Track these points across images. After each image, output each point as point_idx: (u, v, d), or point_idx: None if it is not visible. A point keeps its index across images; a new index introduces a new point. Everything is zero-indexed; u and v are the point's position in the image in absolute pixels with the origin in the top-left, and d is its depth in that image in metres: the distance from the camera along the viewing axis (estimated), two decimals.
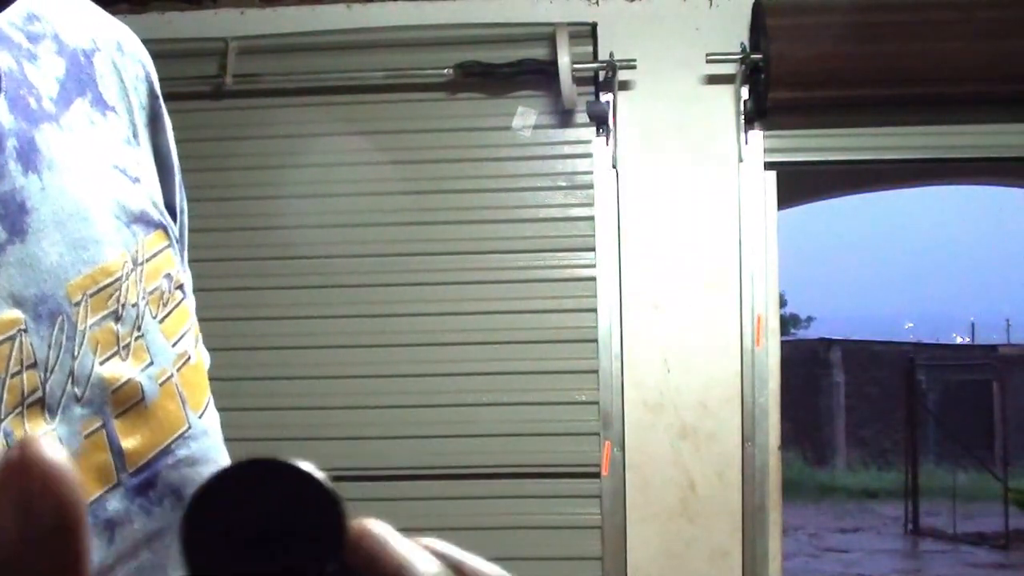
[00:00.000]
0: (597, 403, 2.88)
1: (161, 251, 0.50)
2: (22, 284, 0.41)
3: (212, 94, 2.95)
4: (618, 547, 2.87)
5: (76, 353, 0.42)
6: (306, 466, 0.25)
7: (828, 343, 15.95)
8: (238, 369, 2.82)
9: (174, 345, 0.49)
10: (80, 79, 0.49)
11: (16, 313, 0.40)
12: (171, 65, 2.88)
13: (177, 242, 0.53)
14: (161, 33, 2.95)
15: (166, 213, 0.52)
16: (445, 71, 2.91)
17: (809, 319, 34.19)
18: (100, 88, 0.50)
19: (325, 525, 0.24)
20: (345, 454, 2.85)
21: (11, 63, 0.45)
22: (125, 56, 0.53)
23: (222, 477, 0.25)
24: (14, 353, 0.40)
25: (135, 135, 0.52)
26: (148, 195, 0.51)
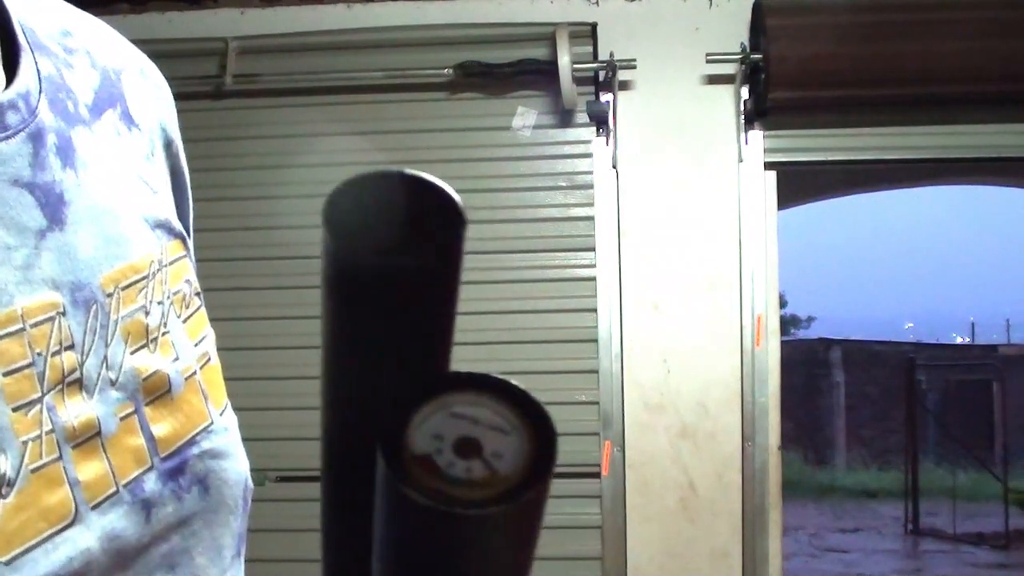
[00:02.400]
0: (597, 403, 2.88)
1: (181, 258, 0.52)
2: (60, 271, 0.42)
3: (212, 94, 2.95)
4: (618, 547, 2.87)
5: (109, 341, 0.44)
6: (437, 181, 0.28)
7: (828, 343, 15.97)
8: (238, 369, 2.81)
9: (196, 345, 0.51)
10: (111, 93, 0.51)
11: (56, 296, 0.42)
12: (171, 65, 2.87)
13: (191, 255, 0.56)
14: (161, 33, 2.95)
15: (182, 226, 0.54)
16: (445, 71, 2.91)
17: (809, 319, 34.21)
18: (128, 104, 0.52)
19: (447, 231, 0.28)
20: None
21: (51, 69, 0.47)
22: (147, 80, 0.56)
23: (372, 175, 0.29)
24: (54, 333, 0.41)
25: (153, 154, 0.54)
26: (167, 207, 0.53)
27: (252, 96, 2.97)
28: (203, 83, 2.93)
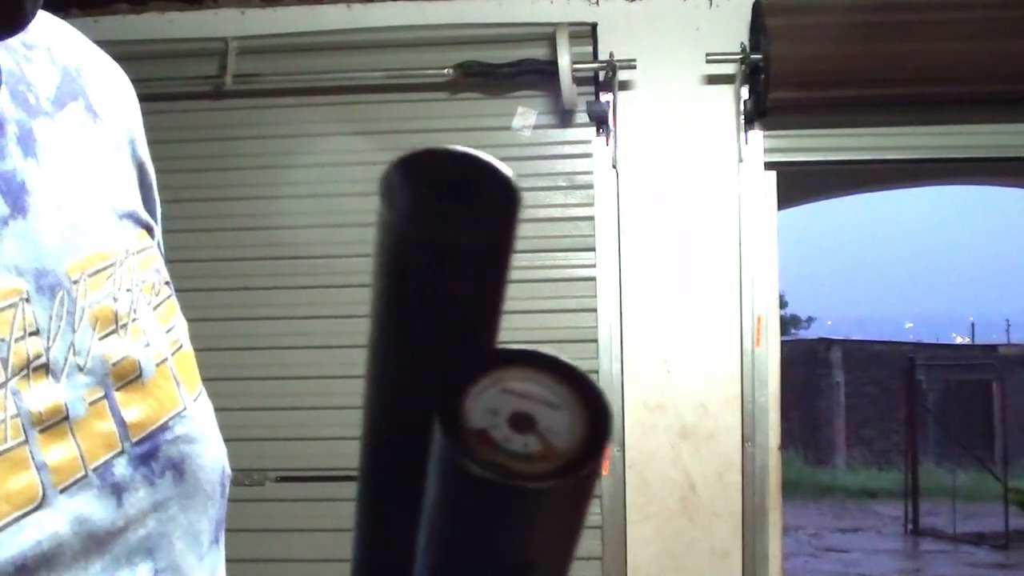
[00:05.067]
0: None
1: (148, 248, 0.52)
2: (24, 257, 0.42)
3: (212, 94, 2.94)
4: (618, 547, 2.87)
5: (76, 327, 0.44)
6: (492, 160, 0.29)
7: (828, 343, 15.97)
8: (237, 369, 2.82)
9: (167, 333, 0.51)
10: (72, 88, 0.51)
11: (19, 282, 0.41)
12: (171, 65, 2.88)
13: (159, 247, 0.55)
14: (161, 33, 2.95)
15: (150, 218, 0.54)
16: (445, 71, 2.91)
17: (809, 319, 34.25)
18: (90, 99, 0.52)
19: (501, 209, 0.29)
20: (346, 454, 2.85)
21: (11, 64, 0.47)
22: (109, 78, 0.55)
23: (425, 151, 0.29)
24: (17, 319, 0.41)
25: (118, 148, 0.54)
26: (132, 199, 0.53)
27: (252, 96, 2.97)
28: (203, 83, 2.92)
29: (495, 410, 0.29)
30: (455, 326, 0.30)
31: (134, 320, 0.48)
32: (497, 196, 0.29)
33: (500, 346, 0.31)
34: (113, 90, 0.55)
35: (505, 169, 0.29)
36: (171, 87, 2.86)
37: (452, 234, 0.28)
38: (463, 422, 0.28)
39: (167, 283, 0.53)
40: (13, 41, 0.48)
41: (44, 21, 0.52)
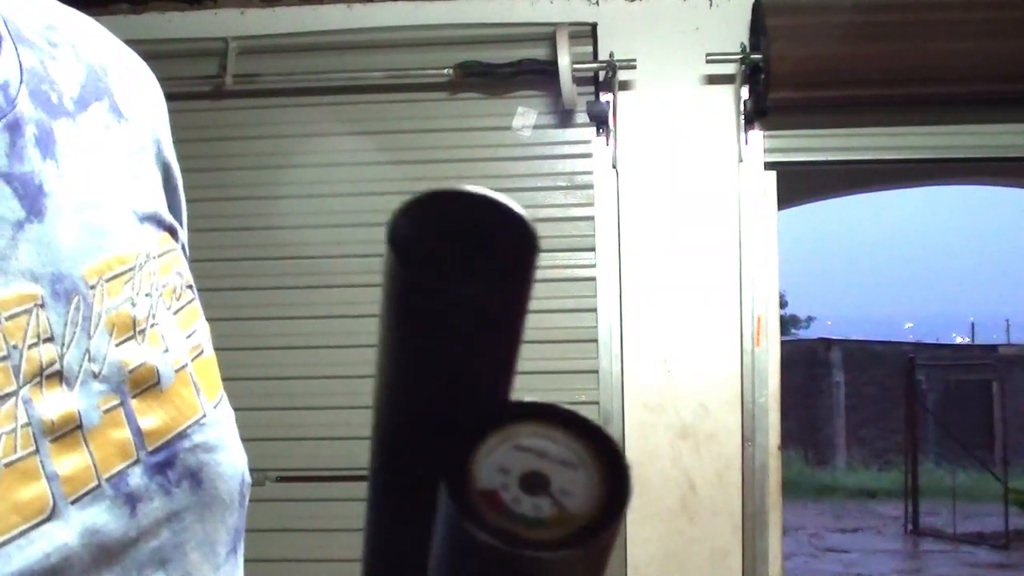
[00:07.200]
0: (597, 403, 2.88)
1: (170, 251, 0.51)
2: (40, 262, 0.41)
3: (212, 94, 2.95)
4: (618, 547, 2.87)
5: (92, 333, 0.43)
6: (509, 202, 0.27)
7: (828, 343, 15.96)
8: (236, 369, 2.82)
9: (188, 338, 0.50)
10: (98, 86, 0.50)
11: (34, 288, 0.41)
12: (171, 65, 2.88)
13: (183, 249, 0.54)
14: (161, 33, 2.95)
15: (173, 219, 0.53)
16: (445, 71, 2.91)
17: (809, 319, 34.24)
18: (115, 98, 0.51)
19: (518, 256, 0.27)
20: (346, 454, 2.85)
21: (34, 62, 0.46)
22: (135, 77, 0.55)
23: (441, 192, 0.27)
24: (31, 325, 0.40)
25: (143, 148, 0.53)
26: (156, 201, 0.52)
27: (252, 96, 2.97)
28: (203, 83, 2.93)
29: (506, 469, 0.27)
30: (466, 380, 0.28)
31: (153, 325, 0.47)
32: (513, 240, 0.27)
33: (514, 399, 0.29)
34: (139, 89, 0.54)
35: (520, 210, 0.27)
36: (171, 87, 2.84)
37: (465, 284, 0.26)
38: (471, 483, 0.27)
39: (189, 287, 0.52)
40: (38, 38, 0.47)
41: (71, 18, 0.51)
